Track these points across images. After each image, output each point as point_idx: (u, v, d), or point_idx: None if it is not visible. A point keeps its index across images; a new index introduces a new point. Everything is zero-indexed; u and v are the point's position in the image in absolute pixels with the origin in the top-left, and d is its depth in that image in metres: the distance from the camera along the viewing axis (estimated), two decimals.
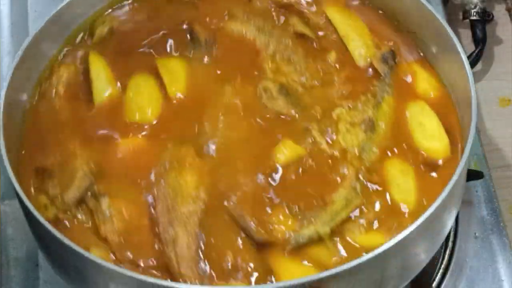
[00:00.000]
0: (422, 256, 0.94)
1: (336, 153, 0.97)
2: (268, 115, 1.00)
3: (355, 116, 0.99)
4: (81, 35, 1.07)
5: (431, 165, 0.97)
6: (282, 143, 0.97)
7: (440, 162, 0.97)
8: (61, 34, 1.05)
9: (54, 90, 1.02)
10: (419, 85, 1.03)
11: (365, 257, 0.84)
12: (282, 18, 1.08)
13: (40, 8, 1.24)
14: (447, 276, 1.06)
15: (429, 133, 0.99)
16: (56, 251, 0.89)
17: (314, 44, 1.06)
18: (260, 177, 0.95)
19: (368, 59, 1.05)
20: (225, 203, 0.93)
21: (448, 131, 0.99)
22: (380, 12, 1.09)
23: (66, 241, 0.85)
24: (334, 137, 0.98)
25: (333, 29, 1.08)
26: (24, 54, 1.00)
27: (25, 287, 1.05)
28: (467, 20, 1.27)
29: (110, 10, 1.09)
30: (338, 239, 0.92)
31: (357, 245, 0.91)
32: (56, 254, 0.91)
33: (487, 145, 1.19)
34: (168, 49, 1.06)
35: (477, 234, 1.09)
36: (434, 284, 1.05)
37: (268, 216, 0.93)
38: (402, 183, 0.95)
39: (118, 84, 1.02)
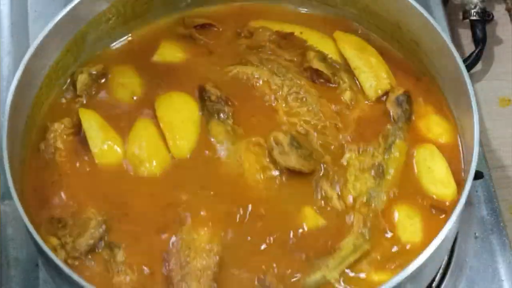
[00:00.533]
0: (429, 273, 0.97)
1: (346, 203, 0.97)
2: (279, 171, 0.99)
3: (364, 162, 1.00)
4: (66, 85, 1.07)
5: (439, 208, 0.98)
6: (304, 216, 0.97)
7: (448, 204, 0.98)
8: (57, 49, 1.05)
9: (53, 147, 1.01)
10: (432, 129, 1.04)
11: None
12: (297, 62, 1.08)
13: (40, 8, 1.25)
14: (447, 276, 1.06)
15: (437, 179, 1.00)
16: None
17: (330, 82, 1.06)
18: (287, 246, 0.95)
19: (380, 92, 1.04)
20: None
21: (458, 173, 1.00)
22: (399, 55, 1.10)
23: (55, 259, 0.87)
24: (345, 186, 0.98)
25: (347, 65, 1.07)
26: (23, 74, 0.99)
27: (25, 287, 1.05)
28: (467, 20, 1.27)
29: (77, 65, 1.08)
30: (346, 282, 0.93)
31: (366, 284, 0.93)
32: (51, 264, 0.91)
33: (487, 145, 1.19)
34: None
35: (477, 234, 1.09)
36: (434, 284, 1.05)
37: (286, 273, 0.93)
38: (409, 226, 0.97)
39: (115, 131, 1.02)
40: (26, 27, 1.24)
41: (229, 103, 1.04)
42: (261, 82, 1.05)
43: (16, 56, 1.20)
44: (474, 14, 1.26)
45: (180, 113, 1.03)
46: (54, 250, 0.93)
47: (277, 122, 1.03)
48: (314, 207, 0.97)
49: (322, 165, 1.00)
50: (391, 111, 1.04)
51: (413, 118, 1.04)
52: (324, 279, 0.92)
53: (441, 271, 1.06)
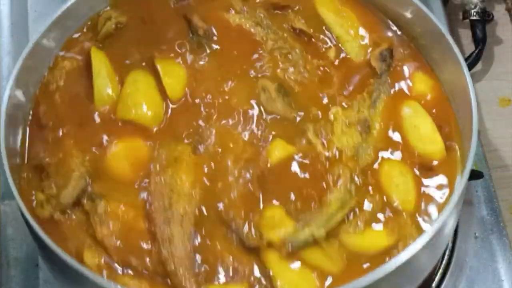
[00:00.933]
0: (425, 266, 0.95)
1: (331, 154, 0.97)
2: (265, 116, 1.00)
3: (350, 117, 0.99)
4: (84, 29, 1.06)
5: (426, 166, 0.97)
6: (273, 143, 0.97)
7: (435, 163, 0.97)
8: (64, 34, 1.05)
9: (55, 84, 1.02)
10: (416, 86, 1.03)
11: (371, 276, 0.85)
12: (280, 15, 1.08)
13: (40, 8, 1.24)
14: (447, 276, 1.06)
15: (423, 136, 0.99)
16: (50, 252, 0.89)
17: (312, 40, 1.06)
18: (251, 177, 0.95)
19: (364, 57, 1.04)
20: (219, 205, 0.93)
21: (445, 132, 0.99)
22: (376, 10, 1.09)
23: (57, 250, 0.86)
24: (330, 138, 0.98)
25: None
26: (28, 54, 0.99)
27: (25, 287, 1.05)
28: (467, 20, 1.27)
29: (108, 8, 1.08)
30: (334, 241, 0.92)
31: (354, 247, 0.91)
32: (51, 255, 0.91)
33: (487, 145, 1.19)
34: (169, 47, 1.05)
35: (477, 234, 1.09)
36: (434, 284, 1.05)
37: (262, 218, 0.93)
38: (401, 184, 0.95)
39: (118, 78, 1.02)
40: (26, 27, 1.24)
41: (213, 39, 1.05)
42: (246, 30, 1.06)
43: (16, 56, 1.19)
44: (474, 14, 1.26)
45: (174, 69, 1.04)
46: (41, 205, 0.93)
47: (263, 70, 1.03)
48: (298, 152, 0.97)
49: (309, 115, 1.00)
50: (375, 66, 1.03)
51: (398, 75, 1.03)
52: (312, 237, 0.91)
53: (441, 271, 1.06)
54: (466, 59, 1.21)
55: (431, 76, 1.03)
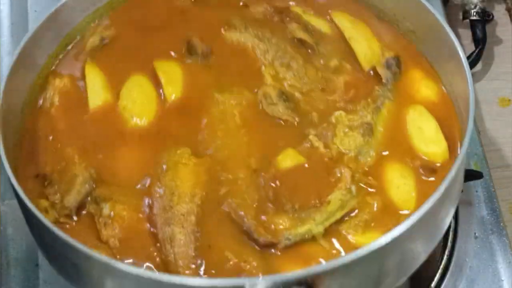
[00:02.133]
0: (420, 252, 0.94)
1: (333, 155, 0.97)
2: (266, 120, 1.00)
3: (353, 120, 0.99)
4: (73, 42, 1.07)
5: (429, 168, 0.97)
6: (285, 153, 0.97)
7: (439, 165, 0.97)
8: (55, 38, 1.06)
9: (49, 102, 1.02)
10: (421, 91, 1.03)
11: (361, 251, 0.84)
12: (281, 25, 1.08)
13: (40, 8, 1.25)
14: (447, 276, 1.06)
15: (427, 138, 0.99)
16: (58, 250, 0.89)
17: (314, 50, 1.06)
18: (261, 181, 0.95)
19: (373, 62, 1.05)
20: (224, 205, 0.93)
21: (448, 135, 0.99)
22: (382, 18, 1.09)
23: (71, 240, 0.85)
24: (332, 140, 0.98)
25: (335, 35, 1.08)
26: (18, 59, 0.99)
27: (25, 287, 1.05)
28: (467, 20, 1.27)
29: (97, 21, 1.09)
30: (333, 239, 0.92)
31: (353, 244, 0.91)
32: (57, 253, 0.91)
33: (487, 145, 1.19)
34: (165, 56, 1.06)
35: (477, 234, 1.09)
36: (434, 284, 1.05)
37: (267, 218, 0.93)
38: (402, 186, 0.95)
39: (114, 89, 1.02)
40: (26, 27, 1.24)
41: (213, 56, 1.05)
42: (247, 46, 1.06)
43: None
44: (474, 14, 1.26)
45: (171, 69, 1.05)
46: (45, 211, 0.93)
47: (263, 84, 1.03)
48: (298, 150, 0.97)
49: (311, 119, 1.00)
50: (381, 74, 1.03)
51: (402, 81, 1.04)
52: (310, 233, 0.91)
53: (440, 271, 1.06)
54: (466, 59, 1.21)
55: (436, 82, 1.03)
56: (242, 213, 0.92)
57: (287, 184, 0.96)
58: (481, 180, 1.12)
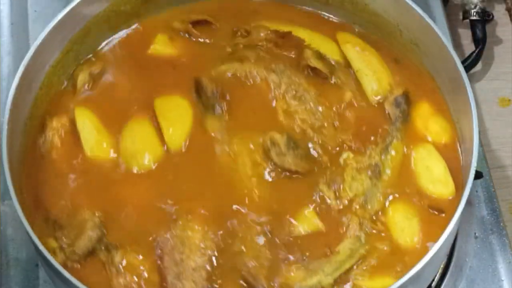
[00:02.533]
0: (430, 275, 0.97)
1: (342, 205, 0.97)
2: (276, 170, 0.99)
3: (361, 162, 0.99)
4: (64, 84, 1.06)
5: (437, 208, 0.97)
6: (301, 216, 0.97)
7: (447, 204, 0.98)
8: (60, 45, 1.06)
9: (49, 144, 1.01)
10: (430, 128, 1.03)
11: None
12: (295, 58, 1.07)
13: (40, 8, 1.24)
14: (447, 276, 1.06)
15: (435, 178, 0.99)
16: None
17: (328, 80, 1.05)
18: (275, 240, 0.95)
19: (381, 96, 1.04)
20: (238, 263, 0.93)
21: (456, 173, 0.99)
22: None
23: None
24: (341, 187, 0.98)
25: (347, 65, 1.07)
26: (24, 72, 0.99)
27: (25, 287, 1.05)
28: (467, 20, 1.27)
29: (90, 55, 1.08)
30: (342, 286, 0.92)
31: None
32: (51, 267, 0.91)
33: (487, 145, 1.19)
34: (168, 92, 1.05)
35: (477, 234, 1.09)
36: (434, 284, 1.05)
37: (281, 276, 0.93)
38: (406, 228, 0.96)
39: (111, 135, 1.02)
40: (26, 27, 1.24)
41: (225, 98, 1.03)
42: (258, 80, 1.05)
43: (16, 56, 1.20)
44: (474, 14, 1.26)
45: (176, 110, 1.03)
46: (53, 252, 0.92)
47: (274, 120, 1.02)
48: (312, 208, 0.97)
49: (319, 165, 0.99)
50: (389, 112, 1.03)
51: (411, 118, 1.04)
52: (319, 285, 0.92)
53: (441, 271, 1.06)
54: (466, 59, 1.21)
55: (447, 119, 1.03)
56: (255, 275, 0.92)
57: (299, 241, 0.95)
58: (481, 180, 1.12)
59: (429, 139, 1.02)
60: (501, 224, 1.10)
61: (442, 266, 1.06)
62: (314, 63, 1.05)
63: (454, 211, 0.91)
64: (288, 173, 0.99)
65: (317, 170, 0.99)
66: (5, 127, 0.95)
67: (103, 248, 0.94)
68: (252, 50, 1.07)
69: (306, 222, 0.96)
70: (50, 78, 1.04)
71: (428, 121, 1.04)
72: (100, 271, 0.93)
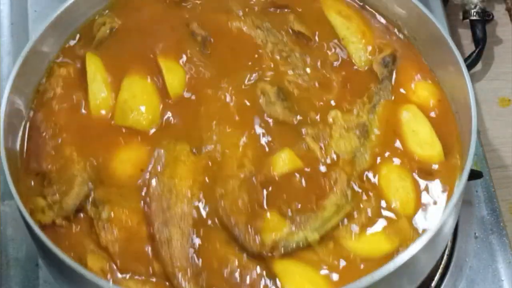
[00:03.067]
0: (426, 266, 0.95)
1: (329, 160, 0.97)
2: (264, 119, 1.00)
3: (349, 121, 0.99)
4: (78, 36, 1.07)
5: (426, 171, 0.97)
6: (282, 154, 0.97)
7: (435, 167, 0.97)
8: (60, 38, 1.05)
9: (52, 92, 1.02)
10: (418, 92, 1.03)
11: (375, 275, 0.85)
12: (279, 17, 1.08)
13: (40, 8, 1.24)
14: (447, 276, 1.06)
15: (422, 141, 0.99)
16: (52, 256, 0.89)
17: (312, 42, 1.06)
18: (255, 183, 0.95)
19: (368, 62, 1.04)
20: (220, 209, 0.93)
21: (445, 136, 0.99)
22: (381, 18, 1.09)
23: (60, 254, 0.86)
24: (328, 142, 0.98)
25: (333, 30, 1.07)
26: (25, 59, 0.99)
27: (25, 287, 1.05)
28: (467, 20, 1.27)
29: (107, 11, 1.09)
30: (329, 244, 0.92)
31: (349, 251, 0.91)
32: (52, 259, 0.91)
33: (487, 145, 1.19)
34: (167, 49, 1.05)
35: (477, 234, 1.09)
36: (434, 284, 1.05)
37: (262, 223, 0.92)
38: (401, 188, 0.95)
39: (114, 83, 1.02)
40: (26, 27, 1.24)
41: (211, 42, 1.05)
42: (246, 33, 1.06)
43: (16, 56, 1.20)
44: (474, 14, 1.26)
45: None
46: (42, 211, 0.92)
47: (265, 64, 1.03)
48: (295, 151, 0.97)
49: (307, 119, 1.00)
50: (377, 71, 1.03)
51: (397, 80, 1.03)
52: (305, 240, 0.91)
53: (440, 270, 1.06)
54: (466, 59, 1.21)
55: (433, 82, 1.03)
56: (233, 220, 0.92)
57: (282, 187, 0.95)
58: (481, 180, 1.12)
59: (416, 101, 1.02)
60: (501, 224, 1.10)
61: (442, 266, 1.06)
62: (297, 26, 1.06)
63: (445, 173, 0.91)
64: (275, 123, 0.99)
65: (304, 124, 0.99)
66: (2, 126, 0.95)
67: (90, 203, 0.93)
68: (240, 4, 1.08)
69: (286, 160, 0.96)
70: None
71: (416, 84, 1.03)
72: (90, 228, 0.93)
